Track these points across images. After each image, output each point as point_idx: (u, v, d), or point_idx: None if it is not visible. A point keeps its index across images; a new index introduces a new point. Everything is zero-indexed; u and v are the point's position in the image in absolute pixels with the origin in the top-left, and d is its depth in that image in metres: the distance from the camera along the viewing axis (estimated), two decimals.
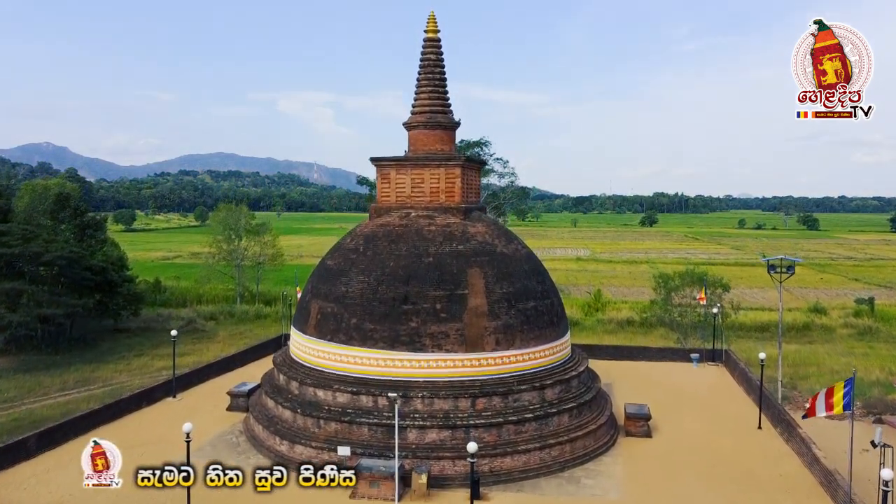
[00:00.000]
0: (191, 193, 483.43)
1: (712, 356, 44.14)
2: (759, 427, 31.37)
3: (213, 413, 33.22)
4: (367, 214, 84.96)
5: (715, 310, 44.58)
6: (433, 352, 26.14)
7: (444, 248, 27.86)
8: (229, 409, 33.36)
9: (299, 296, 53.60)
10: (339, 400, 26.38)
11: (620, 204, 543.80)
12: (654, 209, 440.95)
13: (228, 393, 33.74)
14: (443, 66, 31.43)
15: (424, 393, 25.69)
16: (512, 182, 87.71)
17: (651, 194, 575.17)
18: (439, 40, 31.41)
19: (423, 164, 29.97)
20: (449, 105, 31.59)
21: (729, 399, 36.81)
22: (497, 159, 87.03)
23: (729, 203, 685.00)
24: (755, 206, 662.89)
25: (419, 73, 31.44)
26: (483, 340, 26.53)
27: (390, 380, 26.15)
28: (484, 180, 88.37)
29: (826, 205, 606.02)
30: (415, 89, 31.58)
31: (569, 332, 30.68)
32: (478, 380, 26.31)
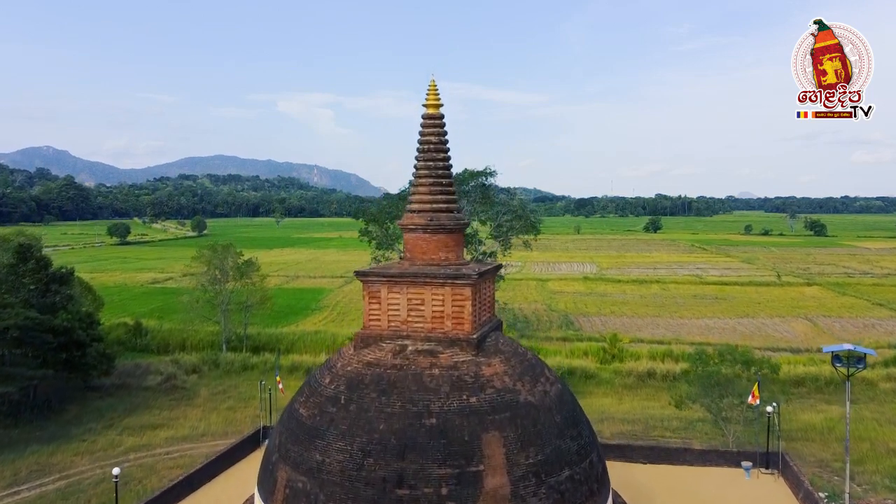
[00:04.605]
0: (189, 199, 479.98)
1: (766, 461, 37.46)
2: None
3: None
4: (366, 220, 74.47)
5: (769, 408, 37.85)
6: None
7: (452, 404, 21.15)
8: None
9: (280, 386, 47.15)
10: None
11: (623, 207, 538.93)
12: (656, 212, 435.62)
13: None
14: (447, 151, 24.57)
15: None
16: (519, 215, 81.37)
17: (653, 196, 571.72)
18: (442, 117, 24.59)
19: (422, 282, 23.13)
20: (454, 200, 24.75)
21: None
22: (503, 189, 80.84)
23: (731, 204, 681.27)
24: (758, 207, 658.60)
25: (417, 160, 24.60)
26: None
27: None
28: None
29: (830, 205, 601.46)
30: (412, 178, 24.86)
31: (610, 494, 23.99)
32: None
